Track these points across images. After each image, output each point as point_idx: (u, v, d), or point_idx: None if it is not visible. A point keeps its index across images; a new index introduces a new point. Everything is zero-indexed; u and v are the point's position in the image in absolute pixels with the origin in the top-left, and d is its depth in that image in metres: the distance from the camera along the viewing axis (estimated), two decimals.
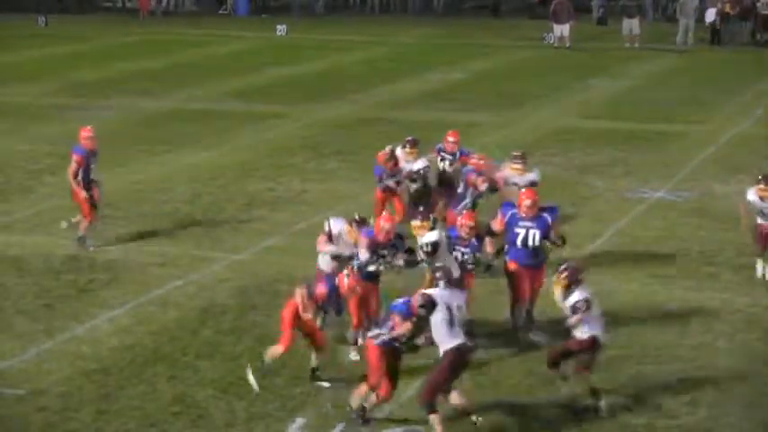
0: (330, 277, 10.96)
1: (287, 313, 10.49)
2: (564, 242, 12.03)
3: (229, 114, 24.51)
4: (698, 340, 11.91)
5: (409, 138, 15.00)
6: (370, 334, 10.03)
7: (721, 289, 13.41)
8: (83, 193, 14.64)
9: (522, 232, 11.67)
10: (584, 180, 18.46)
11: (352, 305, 11.18)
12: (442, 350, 9.68)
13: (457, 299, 9.90)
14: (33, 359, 11.35)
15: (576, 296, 10.10)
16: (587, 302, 10.08)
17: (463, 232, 11.48)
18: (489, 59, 33.07)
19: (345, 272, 10.68)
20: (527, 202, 11.75)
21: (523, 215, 11.72)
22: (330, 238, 11.62)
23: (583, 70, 30.80)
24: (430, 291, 9.96)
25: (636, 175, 18.88)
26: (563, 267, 10.31)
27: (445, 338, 9.66)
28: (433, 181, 14.88)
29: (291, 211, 16.69)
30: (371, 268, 11.24)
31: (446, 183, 14.92)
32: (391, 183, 14.56)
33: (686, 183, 18.41)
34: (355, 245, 11.39)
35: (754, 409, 10.36)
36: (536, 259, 11.78)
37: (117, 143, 20.89)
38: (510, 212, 11.84)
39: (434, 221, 12.96)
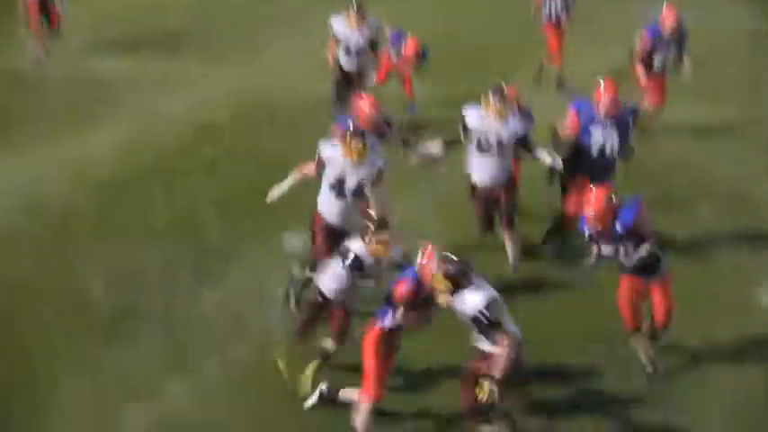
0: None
1: (369, 342, 7.30)
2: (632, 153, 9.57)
3: None
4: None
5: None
6: None
7: None
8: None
9: (598, 137, 9.25)
10: None
11: None
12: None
13: None
14: (35, 175, 11.51)
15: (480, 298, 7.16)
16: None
17: None
18: None
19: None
20: (607, 97, 9.17)
21: (601, 114, 9.23)
22: (319, 163, 8.48)
23: None
24: None
25: None
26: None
27: None
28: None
29: (292, 30, 16.53)
30: None
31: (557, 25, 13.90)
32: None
33: None
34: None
35: None
36: (609, 173, 9.31)
37: None
38: (584, 110, 9.28)
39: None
